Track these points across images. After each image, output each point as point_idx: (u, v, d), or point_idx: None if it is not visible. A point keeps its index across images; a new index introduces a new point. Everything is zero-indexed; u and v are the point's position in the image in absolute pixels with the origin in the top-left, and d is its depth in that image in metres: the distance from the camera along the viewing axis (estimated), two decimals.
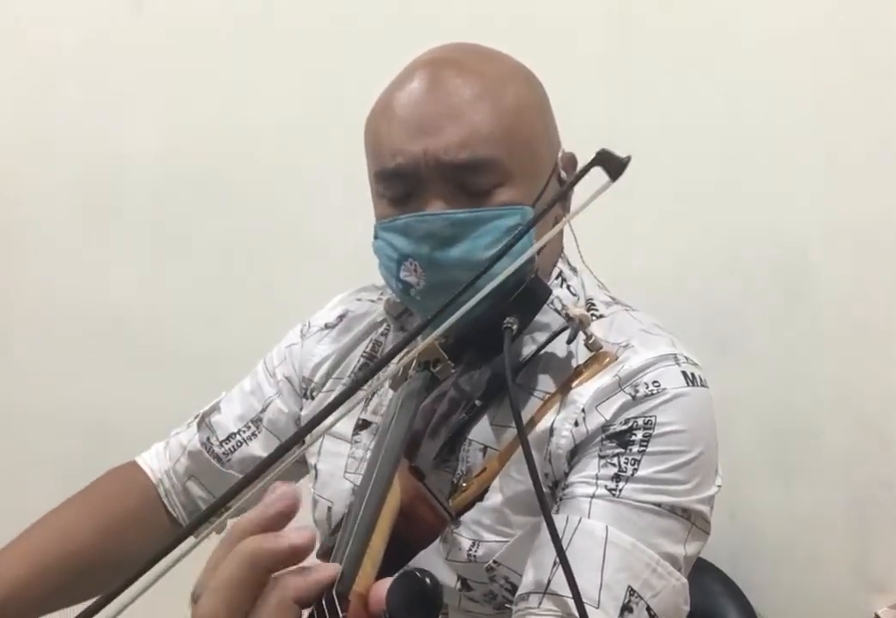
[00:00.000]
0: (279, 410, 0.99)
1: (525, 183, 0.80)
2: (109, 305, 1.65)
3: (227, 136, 1.58)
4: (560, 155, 0.85)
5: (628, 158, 0.64)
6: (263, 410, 0.99)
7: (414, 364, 0.74)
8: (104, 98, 1.65)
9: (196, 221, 1.61)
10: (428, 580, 0.44)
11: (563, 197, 0.83)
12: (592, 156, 0.61)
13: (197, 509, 0.98)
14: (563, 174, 0.85)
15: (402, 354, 0.62)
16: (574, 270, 0.90)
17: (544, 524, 0.72)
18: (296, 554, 0.48)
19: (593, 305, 0.86)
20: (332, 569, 0.48)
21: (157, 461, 1.01)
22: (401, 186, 0.80)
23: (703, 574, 1.21)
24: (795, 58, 1.32)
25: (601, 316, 0.85)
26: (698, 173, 1.36)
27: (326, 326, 1.00)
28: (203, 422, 1.01)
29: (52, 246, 1.69)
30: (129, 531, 0.94)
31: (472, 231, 0.77)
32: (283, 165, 1.55)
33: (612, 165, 0.66)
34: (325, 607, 0.45)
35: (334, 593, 0.46)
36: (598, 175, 0.63)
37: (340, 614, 0.45)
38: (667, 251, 1.37)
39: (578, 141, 1.37)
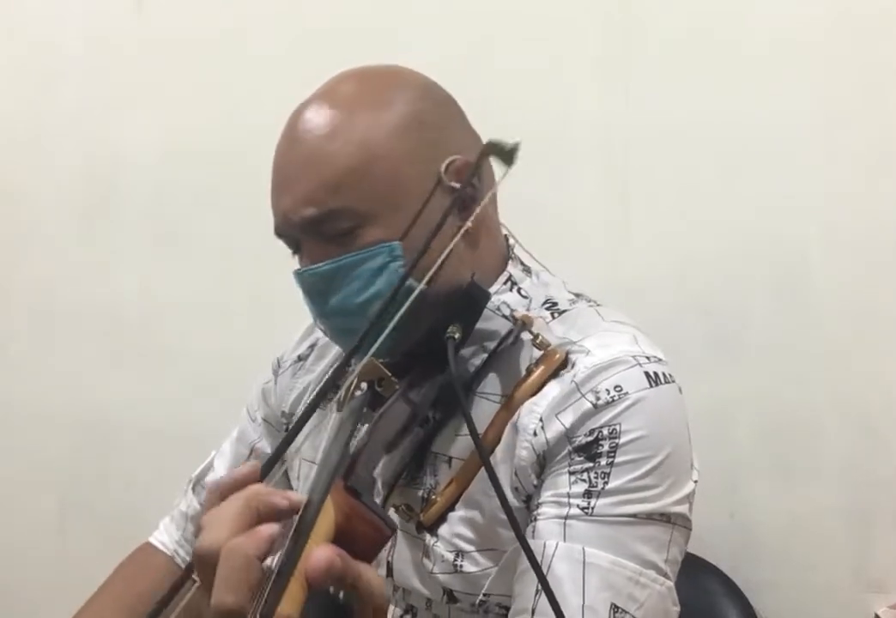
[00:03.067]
0: (264, 453, 1.01)
1: (390, 217, 0.77)
2: (109, 305, 1.65)
3: (227, 136, 1.58)
4: (444, 166, 0.79)
5: (517, 143, 0.66)
6: (250, 456, 1.02)
7: (354, 386, 0.72)
8: (104, 98, 1.65)
9: (196, 221, 1.61)
10: (340, 596, 0.45)
11: (456, 204, 0.76)
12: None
13: None
14: (455, 186, 0.79)
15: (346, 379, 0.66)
16: (528, 271, 0.88)
17: (522, 555, 0.73)
18: (285, 506, 0.54)
19: (554, 303, 0.85)
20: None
21: (167, 535, 1.04)
22: (287, 242, 0.84)
23: (703, 574, 1.21)
24: (795, 58, 1.31)
25: (564, 311, 0.84)
26: (698, 173, 1.35)
27: (300, 359, 1.01)
28: (197, 485, 1.04)
29: (52, 246, 1.69)
30: (166, 609, 0.96)
31: (342, 280, 0.79)
32: None
33: (503, 153, 0.68)
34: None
35: (258, 615, 0.47)
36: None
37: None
38: (667, 251, 1.36)
39: (578, 141, 1.38)
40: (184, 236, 1.62)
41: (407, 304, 0.62)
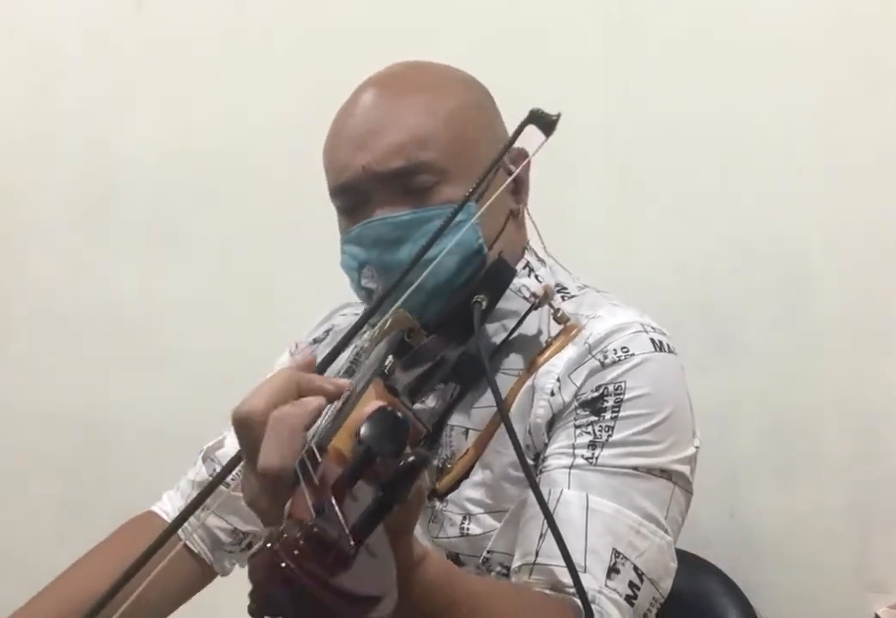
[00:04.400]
0: None
1: (465, 180, 0.82)
2: (109, 305, 1.65)
3: (227, 136, 1.58)
4: None
5: (559, 115, 0.71)
6: None
7: (384, 331, 0.76)
8: (104, 98, 1.65)
9: (196, 221, 1.61)
10: (399, 413, 0.46)
11: (509, 177, 0.85)
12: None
13: (217, 541, 0.99)
14: (513, 168, 0.87)
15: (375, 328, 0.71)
16: (542, 262, 0.93)
17: (528, 502, 0.76)
18: (330, 390, 0.57)
19: (564, 288, 0.90)
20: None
21: (169, 504, 1.03)
22: (350, 198, 0.86)
23: (703, 574, 1.21)
24: (795, 58, 1.32)
25: (573, 296, 0.89)
26: (698, 173, 1.35)
27: (315, 341, 1.03)
28: (208, 457, 1.03)
29: (52, 246, 1.69)
30: (150, 574, 0.95)
31: (415, 231, 0.82)
32: (283, 165, 1.54)
33: (545, 123, 0.73)
34: (304, 456, 0.48)
35: (313, 444, 0.50)
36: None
37: (319, 458, 0.48)
38: (667, 251, 1.36)
39: (579, 141, 1.38)
40: (184, 236, 1.62)
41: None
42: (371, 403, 0.55)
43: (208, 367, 1.58)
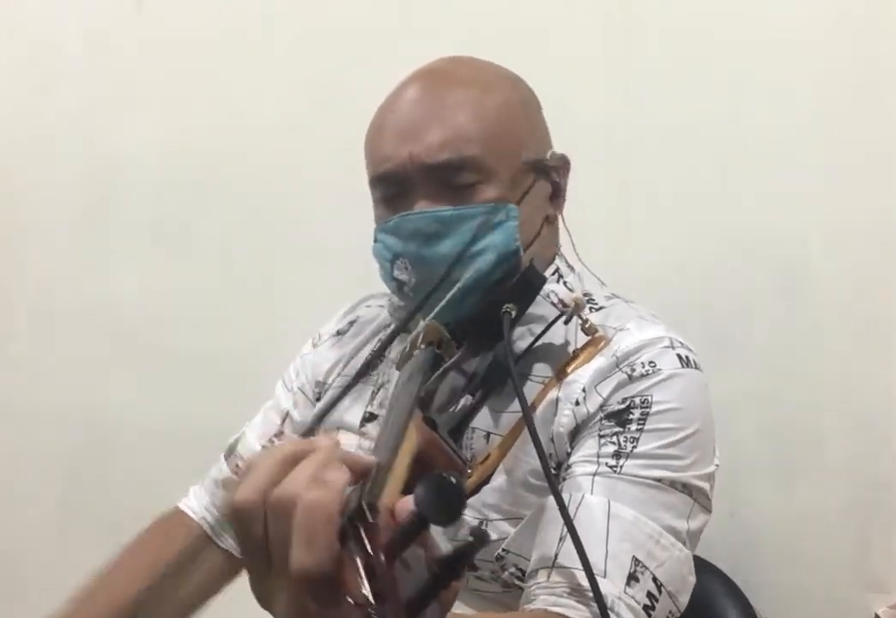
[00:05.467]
0: (295, 421, 1.01)
1: (508, 181, 0.84)
2: (109, 305, 1.65)
3: (227, 136, 1.58)
4: (549, 155, 0.89)
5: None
6: (282, 423, 1.02)
7: (419, 344, 0.76)
8: (104, 98, 1.65)
9: (196, 221, 1.61)
10: (453, 479, 0.44)
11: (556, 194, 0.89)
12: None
13: None
14: (554, 175, 0.89)
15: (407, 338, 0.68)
16: (572, 268, 0.92)
17: (547, 505, 0.76)
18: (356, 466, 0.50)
19: (592, 298, 0.89)
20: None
21: (195, 501, 1.04)
22: (391, 188, 0.85)
23: (703, 574, 1.20)
24: (795, 58, 1.31)
25: (601, 308, 0.88)
26: (698, 173, 1.35)
27: (338, 333, 1.03)
28: (231, 454, 1.04)
29: (52, 246, 1.69)
30: (183, 573, 0.96)
31: (455, 228, 0.81)
32: (283, 165, 1.54)
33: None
34: (354, 515, 0.45)
35: (363, 502, 0.46)
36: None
37: (370, 519, 0.45)
38: (667, 251, 1.36)
39: (579, 141, 1.38)
40: (184, 236, 1.62)
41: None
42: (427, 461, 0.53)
43: (208, 367, 1.58)
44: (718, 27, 1.35)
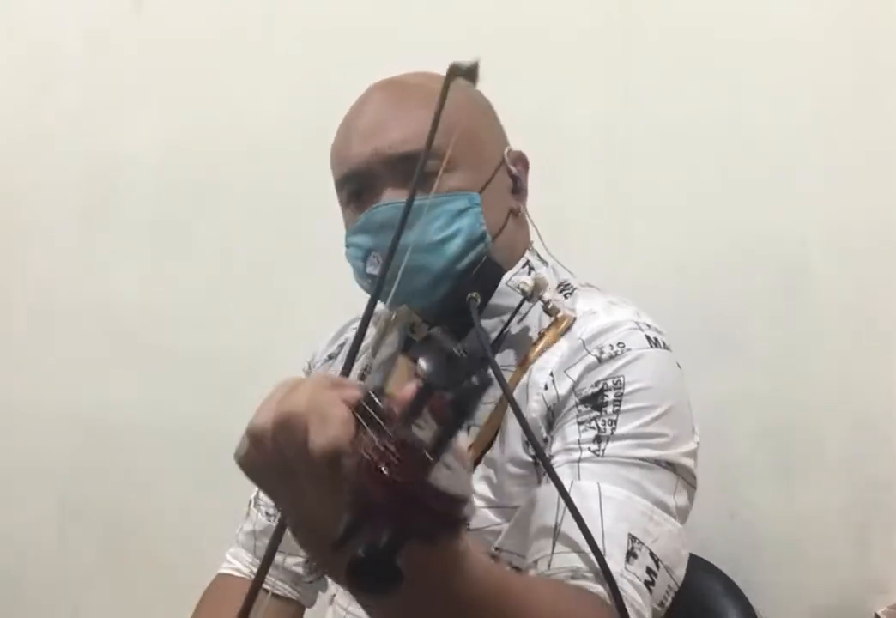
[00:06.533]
0: None
1: (469, 171, 0.87)
2: (109, 305, 1.65)
3: (227, 136, 1.58)
4: (507, 151, 0.92)
5: (476, 61, 0.74)
6: None
7: (391, 329, 0.78)
8: (104, 98, 1.65)
9: (196, 221, 1.61)
10: (455, 349, 0.46)
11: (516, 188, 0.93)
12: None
13: (296, 577, 1.00)
14: (513, 169, 0.92)
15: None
16: (544, 262, 0.95)
17: (536, 498, 0.77)
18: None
19: (568, 284, 0.91)
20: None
21: (238, 561, 1.03)
22: (357, 184, 0.88)
23: (703, 574, 1.21)
24: (795, 59, 1.32)
25: (573, 291, 0.91)
26: (698, 173, 1.35)
27: (330, 357, 1.05)
28: (255, 504, 1.03)
29: (52, 246, 1.69)
30: None
31: (424, 216, 0.83)
32: (283, 165, 1.54)
33: (467, 73, 0.75)
34: (363, 403, 0.49)
35: (370, 390, 0.50)
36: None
37: (378, 402, 0.48)
38: (666, 251, 1.36)
39: (579, 141, 1.38)
40: (184, 236, 1.62)
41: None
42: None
43: (208, 367, 1.58)
44: (718, 27, 1.35)
